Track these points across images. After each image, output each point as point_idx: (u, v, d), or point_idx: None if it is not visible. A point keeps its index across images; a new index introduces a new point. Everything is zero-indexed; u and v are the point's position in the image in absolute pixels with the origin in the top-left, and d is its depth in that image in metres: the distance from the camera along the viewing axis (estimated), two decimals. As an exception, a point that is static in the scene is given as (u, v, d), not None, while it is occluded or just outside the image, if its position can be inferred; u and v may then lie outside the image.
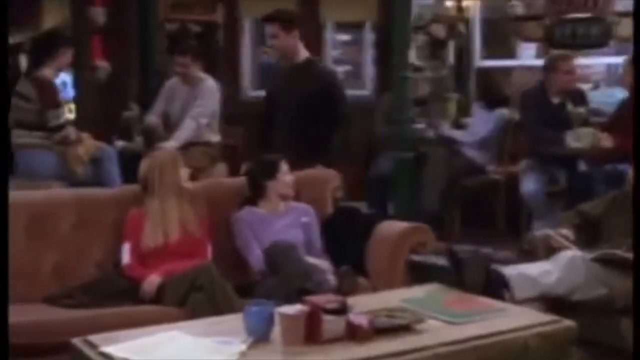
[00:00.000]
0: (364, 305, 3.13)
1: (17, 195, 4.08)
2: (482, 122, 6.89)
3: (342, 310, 2.91)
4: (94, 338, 2.94)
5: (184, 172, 4.23)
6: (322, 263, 4.08)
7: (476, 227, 6.45)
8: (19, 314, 3.57)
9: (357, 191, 6.42)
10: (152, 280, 3.88)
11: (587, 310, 3.65)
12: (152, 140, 5.93)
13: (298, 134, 5.00)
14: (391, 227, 4.25)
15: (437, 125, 7.10)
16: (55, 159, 5.45)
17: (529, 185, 5.96)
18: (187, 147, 5.81)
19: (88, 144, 5.56)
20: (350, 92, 5.75)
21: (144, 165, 4.21)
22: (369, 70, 8.48)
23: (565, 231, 4.07)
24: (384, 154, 6.49)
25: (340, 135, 5.07)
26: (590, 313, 3.64)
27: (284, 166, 4.34)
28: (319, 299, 2.96)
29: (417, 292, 3.50)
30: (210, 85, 6.12)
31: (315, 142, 4.97)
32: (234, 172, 5.75)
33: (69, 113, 6.27)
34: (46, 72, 5.47)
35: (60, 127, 5.45)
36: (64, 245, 4.07)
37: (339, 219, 4.46)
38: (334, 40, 8.70)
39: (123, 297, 3.84)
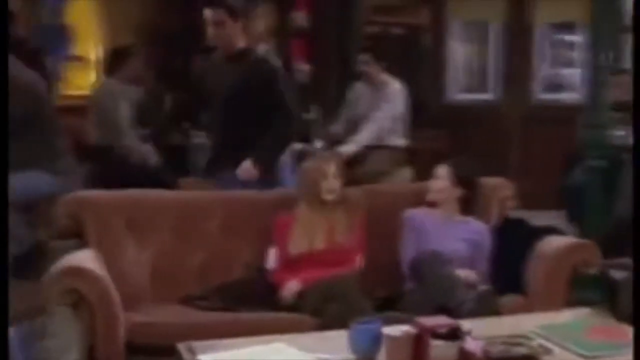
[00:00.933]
0: (491, 329, 2.87)
1: (164, 194, 4.11)
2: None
3: (453, 336, 2.64)
4: (196, 344, 2.85)
5: (337, 180, 4.05)
6: (470, 275, 3.81)
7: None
8: (150, 314, 3.59)
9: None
10: (291, 286, 3.77)
11: None
12: (332, 144, 5.84)
13: (227, 129, 4.59)
14: (553, 243, 3.89)
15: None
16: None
17: None
18: (369, 150, 5.67)
19: None
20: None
21: (299, 170, 4.11)
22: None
23: None
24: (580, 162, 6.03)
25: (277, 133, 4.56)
26: None
27: (439, 171, 4.10)
28: (429, 321, 2.71)
29: (563, 316, 3.16)
30: (395, 88, 5.99)
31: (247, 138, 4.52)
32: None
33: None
34: None
35: None
36: (211, 246, 4.03)
37: (502, 230, 4.12)
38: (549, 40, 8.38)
39: (260, 302, 3.75)
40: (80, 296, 3.29)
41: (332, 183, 4.00)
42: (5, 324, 2.45)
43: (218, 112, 4.62)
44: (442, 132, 7.66)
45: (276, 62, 5.00)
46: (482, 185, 4.17)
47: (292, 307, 3.70)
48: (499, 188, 4.30)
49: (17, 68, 5.02)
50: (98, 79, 6.32)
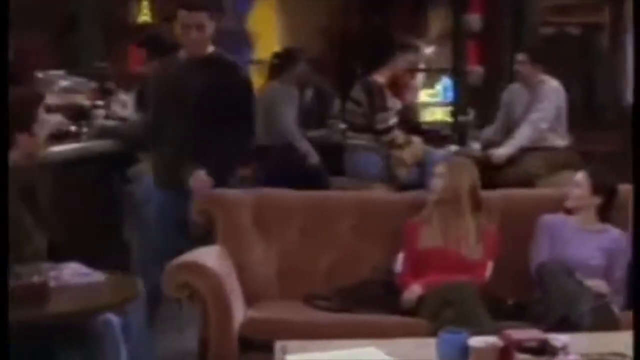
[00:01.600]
0: (593, 345, 2.72)
1: (293, 194, 4.18)
2: None
3: (542, 350, 2.53)
4: (291, 344, 2.88)
5: (470, 183, 3.97)
6: (601, 286, 3.64)
7: None
8: (268, 310, 3.67)
9: None
10: (414, 290, 3.73)
11: None
12: (487, 147, 5.71)
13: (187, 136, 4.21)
14: None
15: None
16: (380, 161, 5.49)
17: None
18: (524, 153, 5.55)
19: (415, 148, 5.52)
20: None
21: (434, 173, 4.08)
22: None
23: None
24: None
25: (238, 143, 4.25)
26: None
27: (578, 177, 3.95)
28: (518, 334, 2.61)
29: None
30: (551, 86, 5.73)
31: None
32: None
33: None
34: (377, 77, 5.54)
35: (388, 129, 5.48)
36: (341, 247, 4.05)
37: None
38: None
39: (380, 305, 3.73)
40: (194, 290, 3.41)
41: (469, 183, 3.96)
42: (6, 324, 2.48)
43: (180, 118, 4.21)
44: (618, 134, 7.33)
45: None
46: (621, 193, 3.96)
47: (413, 312, 3.67)
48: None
49: None
50: (266, 81, 6.50)
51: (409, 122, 6.23)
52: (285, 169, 5.84)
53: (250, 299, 3.75)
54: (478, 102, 7.22)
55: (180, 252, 3.63)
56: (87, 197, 4.81)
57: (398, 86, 5.93)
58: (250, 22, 9.04)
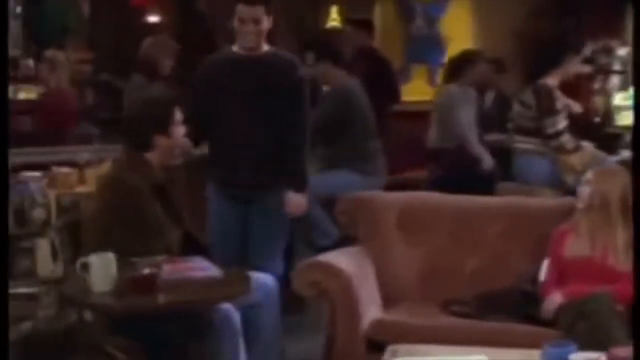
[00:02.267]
0: None
1: (437, 197, 4.16)
2: None
3: None
4: (402, 347, 2.90)
5: (620, 191, 3.77)
6: None
7: None
8: (401, 313, 3.69)
9: None
10: (554, 299, 3.62)
11: None
12: None
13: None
14: None
15: None
16: (549, 166, 5.34)
17: None
18: None
19: (585, 153, 5.31)
20: None
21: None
22: None
23: None
24: None
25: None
26: None
27: None
28: (623, 352, 2.49)
29: None
30: None
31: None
32: None
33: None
34: (549, 80, 5.39)
35: (557, 134, 5.31)
36: (487, 252, 4.00)
37: None
38: None
39: (517, 314, 3.65)
40: (323, 289, 3.49)
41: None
42: (6, 324, 2.50)
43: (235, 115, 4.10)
44: None
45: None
46: None
47: (551, 322, 3.56)
48: None
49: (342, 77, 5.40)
50: (441, 84, 6.49)
51: (588, 126, 6.01)
52: (456, 172, 5.82)
53: (389, 301, 3.79)
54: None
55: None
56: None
57: (575, 89, 5.74)
58: (442, 26, 9.02)
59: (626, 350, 2.53)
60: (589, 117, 6.81)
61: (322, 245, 4.89)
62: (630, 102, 7.95)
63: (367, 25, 7.41)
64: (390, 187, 5.11)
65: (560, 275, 3.75)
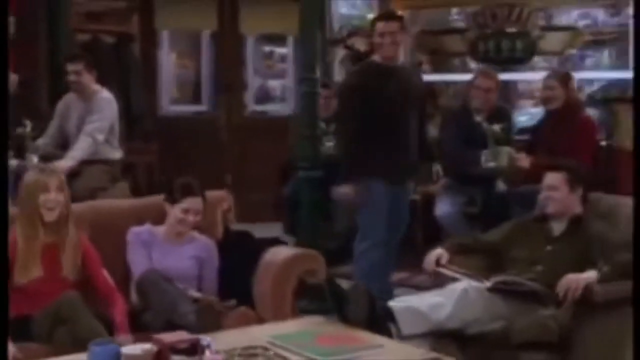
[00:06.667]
0: (227, 342, 2.99)
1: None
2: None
3: (194, 350, 2.74)
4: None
5: (60, 194, 3.62)
6: (196, 293, 3.84)
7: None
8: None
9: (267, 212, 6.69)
10: None
11: (484, 344, 3.54)
12: (48, 160, 5.33)
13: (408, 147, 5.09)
14: (277, 254, 3.91)
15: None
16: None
17: (443, 207, 5.64)
18: (84, 165, 5.50)
19: None
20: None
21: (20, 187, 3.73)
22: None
23: (439, 251, 3.92)
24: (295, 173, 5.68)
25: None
26: (487, 347, 3.54)
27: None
28: (169, 337, 2.77)
29: (293, 326, 3.37)
30: (105, 97, 5.70)
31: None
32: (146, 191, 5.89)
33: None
34: None
35: None
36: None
37: (228, 244, 4.17)
38: (261, 52, 8.60)
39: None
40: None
41: (53, 198, 3.60)
42: (6, 324, 2.42)
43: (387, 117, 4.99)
44: (156, 145, 7.39)
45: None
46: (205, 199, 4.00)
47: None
48: (220, 201, 4.26)
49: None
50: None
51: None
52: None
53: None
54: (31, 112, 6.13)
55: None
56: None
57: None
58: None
59: (169, 336, 2.77)
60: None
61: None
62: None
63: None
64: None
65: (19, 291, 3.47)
